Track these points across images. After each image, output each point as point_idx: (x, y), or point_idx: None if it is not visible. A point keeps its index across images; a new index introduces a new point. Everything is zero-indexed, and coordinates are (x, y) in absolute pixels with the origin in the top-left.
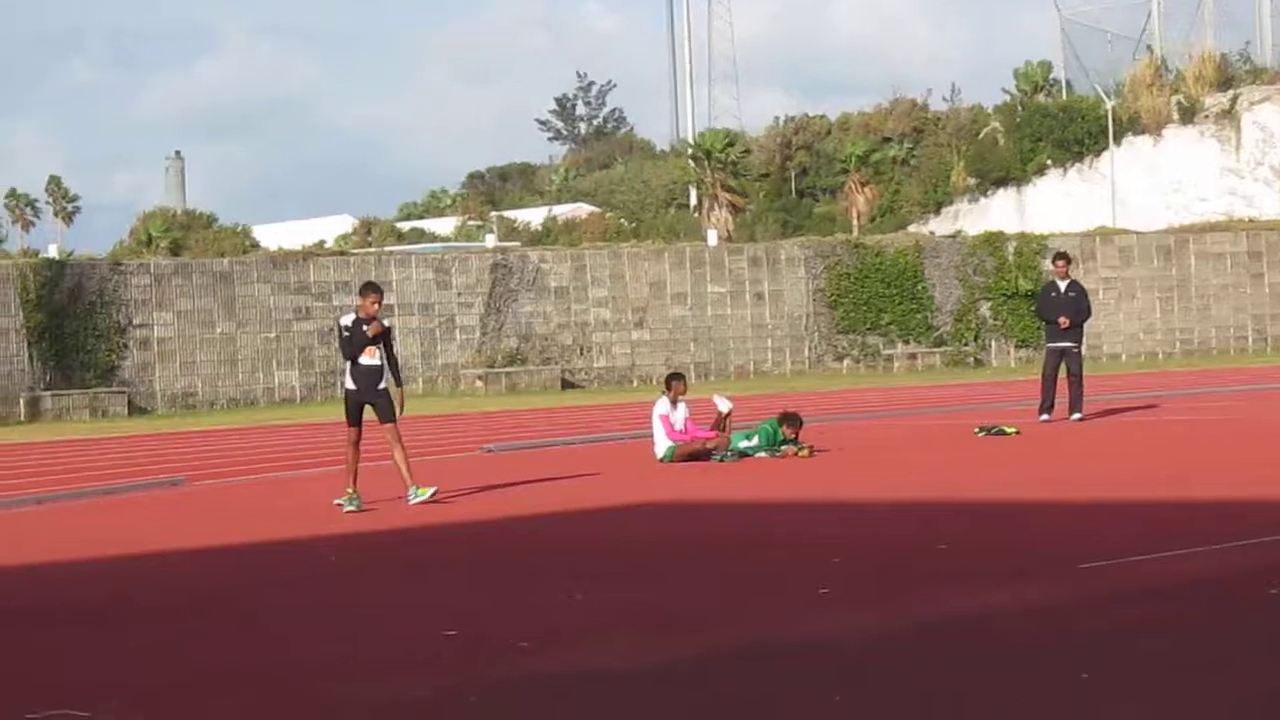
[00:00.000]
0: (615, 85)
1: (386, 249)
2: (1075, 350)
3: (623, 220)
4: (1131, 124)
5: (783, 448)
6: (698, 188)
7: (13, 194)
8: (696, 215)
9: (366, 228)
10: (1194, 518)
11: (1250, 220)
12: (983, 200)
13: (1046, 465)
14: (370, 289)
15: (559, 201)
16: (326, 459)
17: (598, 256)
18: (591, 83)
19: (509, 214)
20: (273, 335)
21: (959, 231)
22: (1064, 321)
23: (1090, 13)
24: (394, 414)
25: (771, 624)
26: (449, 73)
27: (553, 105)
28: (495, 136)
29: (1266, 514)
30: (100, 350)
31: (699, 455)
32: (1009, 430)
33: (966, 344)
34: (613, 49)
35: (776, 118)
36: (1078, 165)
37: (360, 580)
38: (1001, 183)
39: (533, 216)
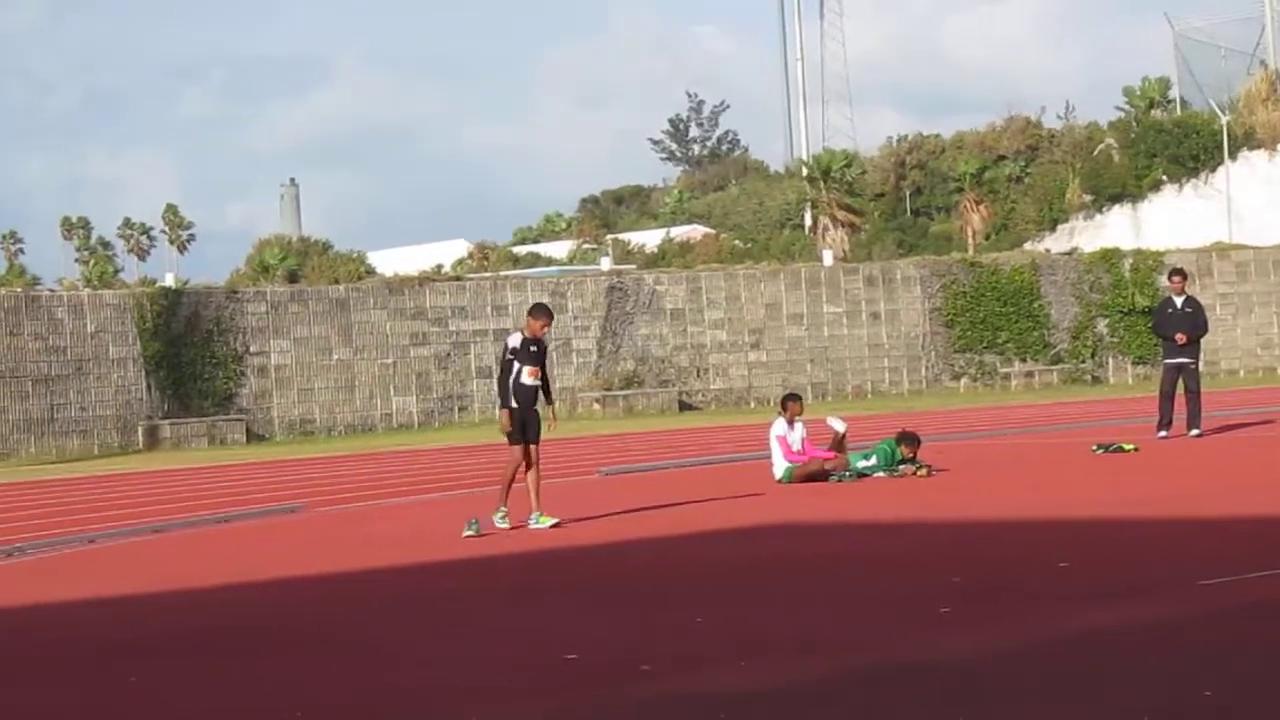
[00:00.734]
0: (728, 106)
1: (502, 274)
2: (1192, 366)
3: (737, 241)
4: (1247, 138)
5: (901, 467)
6: (813, 208)
7: (127, 223)
8: (811, 236)
9: (482, 252)
10: None
11: None
12: (1098, 217)
13: (1165, 482)
14: (541, 311)
15: (673, 224)
16: (445, 484)
17: (713, 278)
18: (703, 103)
19: (624, 237)
20: (390, 361)
21: (1075, 249)
22: (1181, 338)
23: (1204, 28)
24: (540, 435)
25: (893, 644)
26: (563, 97)
27: (666, 127)
28: (609, 160)
29: None
30: (217, 378)
31: (817, 476)
32: (1127, 447)
33: (1083, 361)
34: (727, 70)
35: (890, 137)
36: (1193, 181)
37: (479, 606)
38: (1117, 199)
39: (647, 239)
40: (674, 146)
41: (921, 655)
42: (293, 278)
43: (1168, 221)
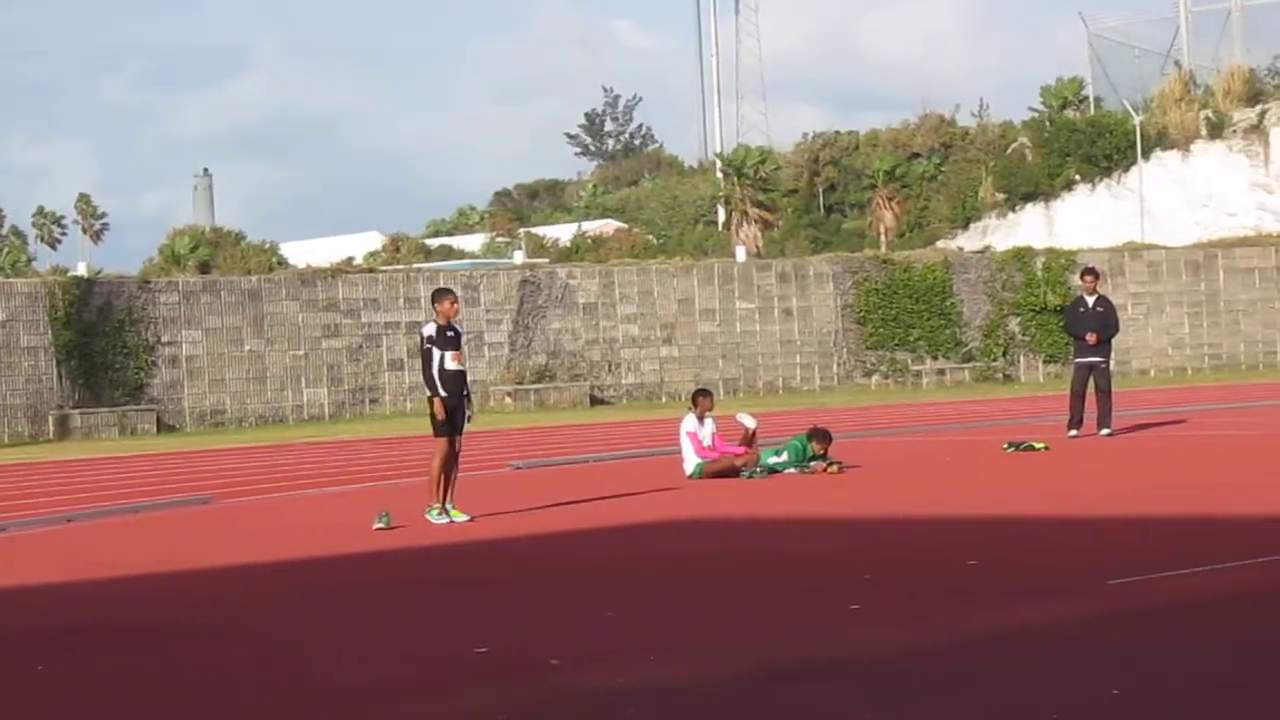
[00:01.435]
0: (642, 100)
1: (415, 266)
2: (1104, 365)
3: (651, 237)
4: (1160, 139)
5: (812, 464)
6: (726, 204)
7: (40, 212)
8: (725, 231)
9: (395, 245)
10: (1223, 533)
11: (1279, 235)
12: (1011, 215)
13: (1075, 481)
14: (444, 293)
15: (587, 218)
16: (356, 476)
17: (626, 273)
18: (618, 97)
19: (537, 231)
20: (301, 353)
21: (987, 247)
22: (1092, 337)
23: (1119, 28)
24: (461, 429)
25: (802, 641)
26: (481, 90)
27: (583, 121)
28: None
29: None
30: (129, 368)
31: (728, 472)
32: (1038, 446)
33: (995, 360)
34: (644, 65)
35: (805, 133)
36: (1106, 180)
37: (389, 599)
38: (1030, 198)
39: (561, 233)
40: (589, 140)
41: (832, 652)
42: (205, 268)
43: (1081, 221)
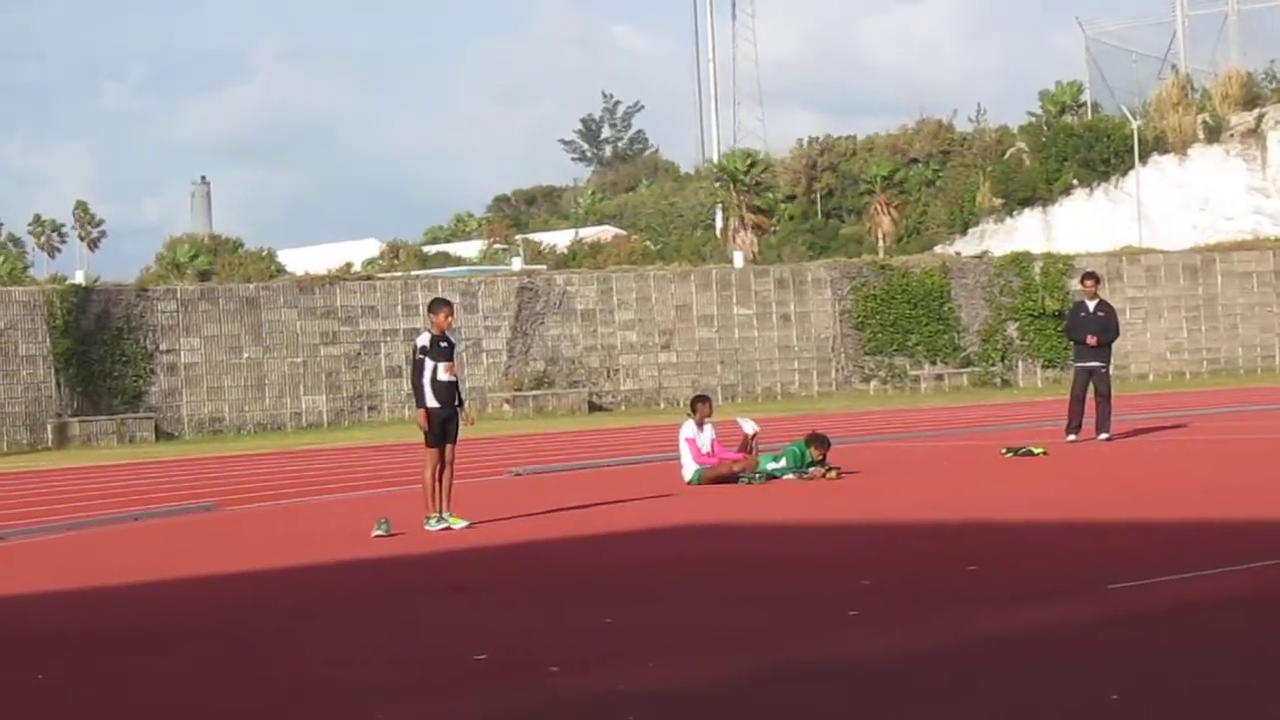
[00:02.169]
0: (642, 107)
1: (413, 273)
2: (1103, 370)
3: (648, 243)
4: (1157, 143)
5: (810, 469)
6: (723, 210)
7: (38, 220)
8: (722, 237)
9: (394, 251)
10: (1224, 537)
11: (1277, 239)
12: (1009, 220)
13: (1074, 486)
14: (441, 304)
15: (584, 224)
16: (356, 483)
17: (624, 279)
18: (617, 103)
19: (535, 237)
20: (299, 360)
21: (985, 252)
22: (1091, 340)
23: (1116, 32)
24: (455, 438)
25: (802, 645)
26: (480, 95)
27: (579, 127)
28: (524, 159)
29: None
30: (127, 376)
31: (726, 478)
32: (1036, 451)
33: (993, 364)
34: (642, 70)
35: (802, 139)
36: (1104, 185)
37: (389, 605)
38: (1027, 203)
39: (558, 240)
40: (585, 147)
41: (832, 656)
42: (203, 276)
43: (1078, 225)
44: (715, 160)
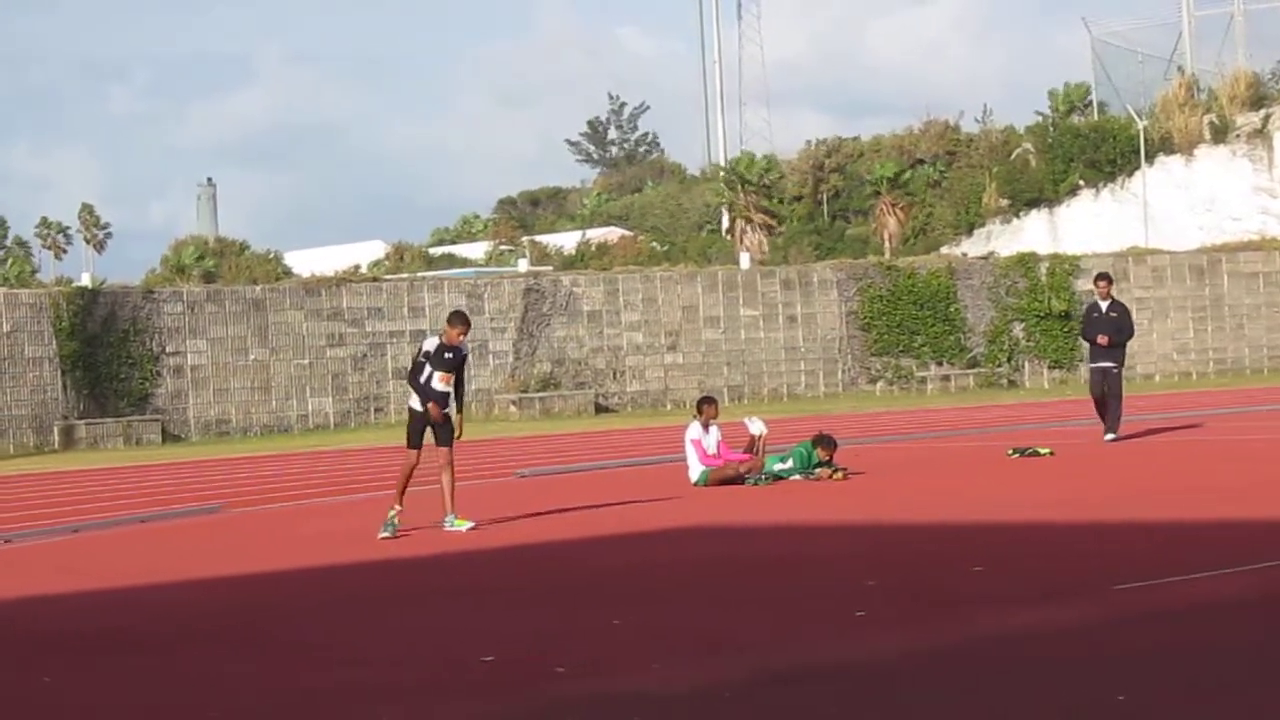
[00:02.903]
0: (648, 108)
1: (419, 275)
2: (1115, 370)
3: (655, 244)
4: (1163, 144)
5: (817, 470)
6: (730, 211)
7: (44, 222)
8: (729, 238)
9: (399, 253)
10: (1230, 537)
11: None
12: (1015, 221)
13: (1081, 486)
14: (459, 319)
15: (591, 226)
16: (362, 485)
17: (630, 280)
18: (623, 104)
19: (541, 239)
20: (306, 362)
21: (991, 253)
22: (1103, 340)
23: (1122, 33)
24: (453, 439)
25: (807, 646)
26: (485, 97)
27: (583, 129)
28: (529, 161)
29: None
30: (134, 378)
31: (733, 479)
32: (1042, 451)
33: (1000, 365)
34: (648, 72)
35: (808, 140)
36: (1110, 185)
37: (396, 606)
38: (1034, 204)
39: (565, 241)
40: (591, 148)
41: (837, 658)
42: (209, 278)
43: (1084, 226)
44: (722, 162)
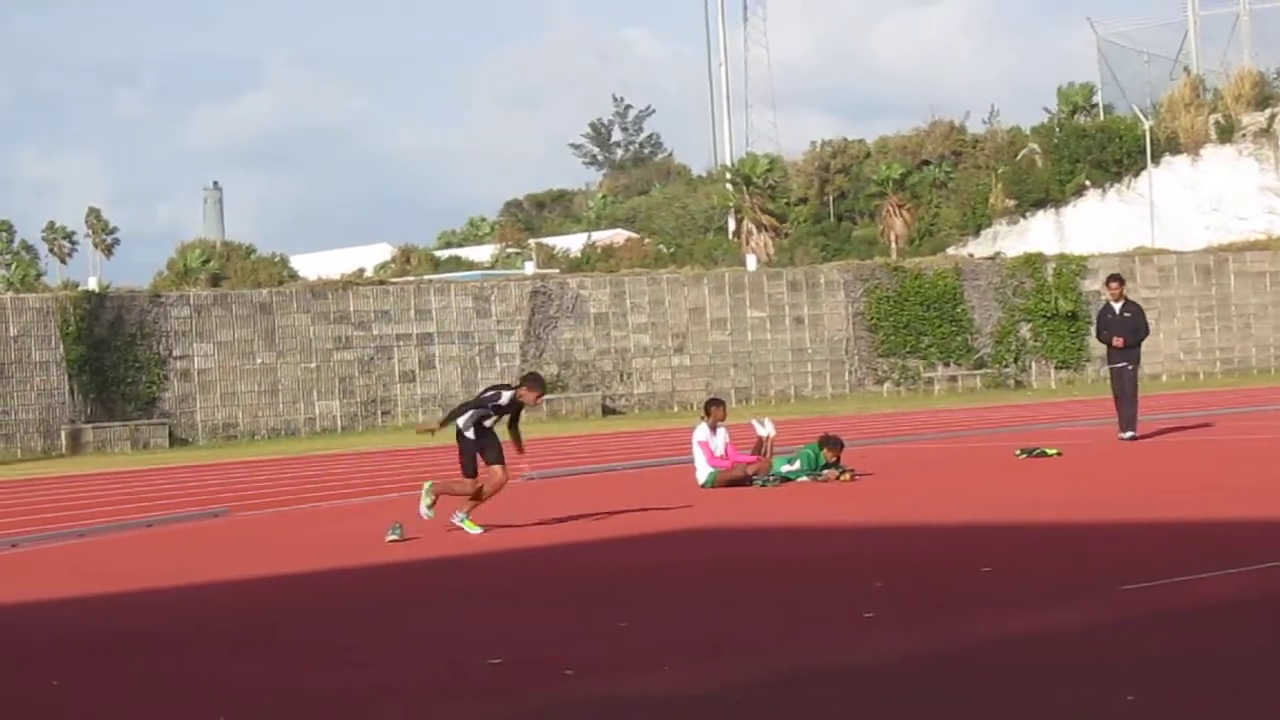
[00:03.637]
0: (653, 111)
1: (426, 277)
2: (1130, 370)
3: (661, 246)
4: (1169, 144)
5: (824, 472)
6: (736, 213)
7: (51, 227)
8: (735, 240)
9: (406, 256)
10: (1238, 536)
11: None
12: (1021, 222)
13: (1088, 487)
14: (538, 384)
15: (597, 228)
16: (369, 488)
17: (637, 283)
18: (628, 107)
19: (547, 241)
20: (313, 365)
21: (998, 253)
22: (1118, 342)
23: (1128, 33)
24: (503, 458)
25: (816, 649)
26: (493, 100)
27: (587, 131)
28: (536, 164)
29: None
30: (141, 382)
31: (740, 481)
32: (1050, 452)
33: (1007, 366)
34: (655, 74)
35: (814, 142)
36: (1116, 185)
37: (404, 609)
38: (1040, 204)
39: (571, 243)
40: (596, 150)
41: (845, 659)
42: (215, 281)
43: (1091, 226)
44: (728, 164)
